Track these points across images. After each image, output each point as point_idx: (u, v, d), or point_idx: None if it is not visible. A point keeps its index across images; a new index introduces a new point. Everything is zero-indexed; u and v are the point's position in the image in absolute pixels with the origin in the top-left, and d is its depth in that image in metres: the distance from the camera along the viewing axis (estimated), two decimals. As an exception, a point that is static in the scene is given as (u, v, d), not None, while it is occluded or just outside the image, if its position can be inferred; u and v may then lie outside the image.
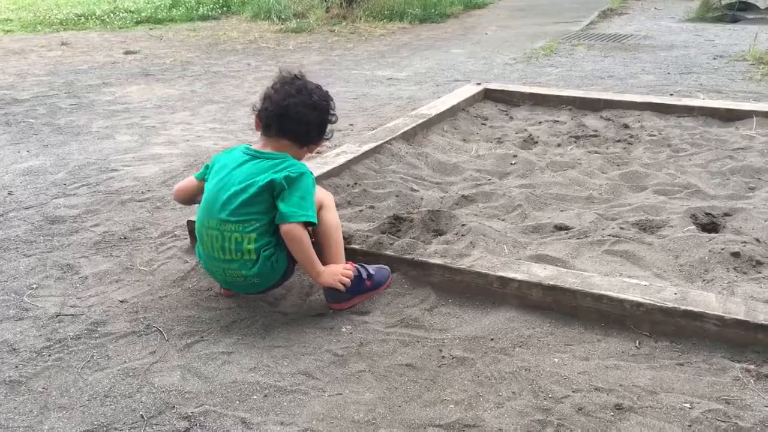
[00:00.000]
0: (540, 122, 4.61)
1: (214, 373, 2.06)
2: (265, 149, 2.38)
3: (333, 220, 2.36)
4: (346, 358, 2.11)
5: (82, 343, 2.25)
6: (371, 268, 2.42)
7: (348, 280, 2.30)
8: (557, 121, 4.60)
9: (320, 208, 2.33)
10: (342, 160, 3.59)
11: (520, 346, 2.14)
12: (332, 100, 2.48)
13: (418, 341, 2.19)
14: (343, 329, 2.27)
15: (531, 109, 4.92)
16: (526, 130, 4.43)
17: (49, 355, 2.19)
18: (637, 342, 2.13)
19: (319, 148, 2.64)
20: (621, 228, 2.90)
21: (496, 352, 2.11)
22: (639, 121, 4.48)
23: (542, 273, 2.32)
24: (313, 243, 2.32)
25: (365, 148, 3.77)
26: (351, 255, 2.53)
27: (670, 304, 2.11)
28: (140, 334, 2.30)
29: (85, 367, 2.12)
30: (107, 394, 1.98)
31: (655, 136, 4.20)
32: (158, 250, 2.92)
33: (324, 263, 2.35)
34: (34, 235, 3.16)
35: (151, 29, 10.05)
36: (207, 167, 2.52)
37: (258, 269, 2.28)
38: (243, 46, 8.66)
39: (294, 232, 2.21)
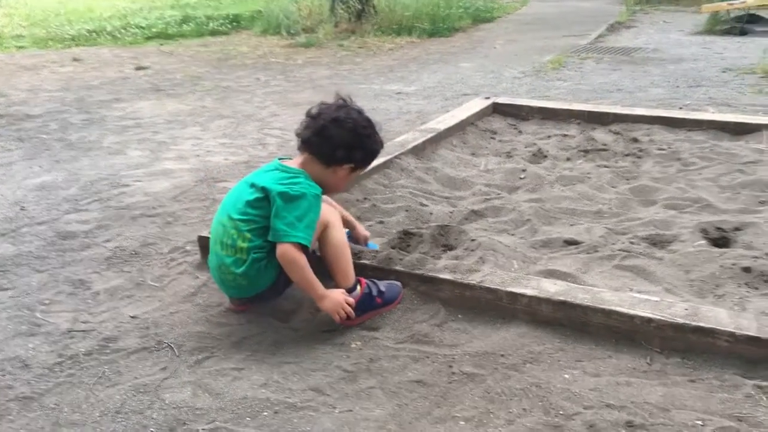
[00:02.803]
0: (549, 136, 4.61)
1: (225, 390, 2.06)
2: (292, 164, 2.39)
3: (340, 237, 2.37)
4: (356, 375, 2.11)
5: (93, 359, 2.26)
6: (382, 285, 2.42)
7: (345, 314, 2.29)
8: (566, 135, 4.60)
9: (326, 226, 2.33)
10: (351, 175, 3.59)
11: (530, 362, 2.13)
12: (370, 127, 2.41)
13: (428, 357, 2.19)
14: (353, 345, 2.28)
15: (540, 123, 4.93)
16: (535, 144, 4.43)
17: (61, 371, 2.20)
18: (648, 358, 2.12)
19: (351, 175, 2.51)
20: (631, 243, 2.90)
21: (507, 368, 2.11)
22: (648, 135, 4.47)
23: (552, 288, 2.32)
24: (313, 263, 2.31)
25: (374, 163, 3.76)
26: (361, 270, 2.54)
27: (680, 320, 2.10)
28: (151, 350, 2.31)
29: (96, 384, 2.13)
30: (119, 411, 1.99)
31: (664, 150, 4.19)
32: (169, 266, 2.94)
33: (334, 281, 2.36)
34: (46, 250, 3.18)
35: (161, 45, 10.13)
36: None
37: (245, 270, 2.30)
38: (252, 61, 8.72)
39: (288, 254, 2.21)
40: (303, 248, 2.25)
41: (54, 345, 2.36)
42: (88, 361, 2.25)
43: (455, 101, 6.21)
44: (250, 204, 2.28)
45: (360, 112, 2.44)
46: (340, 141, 2.34)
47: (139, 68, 8.26)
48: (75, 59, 8.90)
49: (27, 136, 5.38)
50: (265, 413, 1.96)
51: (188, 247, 3.10)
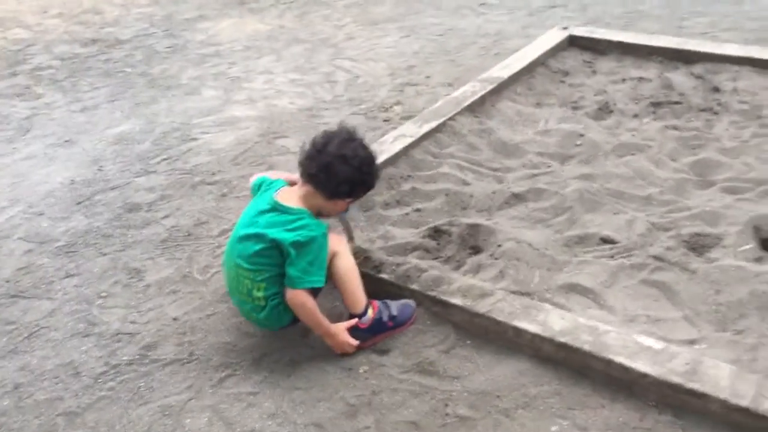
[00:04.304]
0: (624, 79, 4.35)
1: (238, 419, 2.28)
2: (290, 198, 2.44)
3: (347, 265, 2.44)
4: (357, 409, 2.26)
5: (133, 370, 2.53)
6: (394, 308, 2.50)
7: (348, 352, 2.44)
8: (642, 78, 4.32)
9: (333, 256, 2.41)
10: (399, 146, 3.59)
11: (523, 408, 2.20)
12: (373, 164, 2.45)
13: (427, 392, 2.29)
14: (361, 370, 2.41)
15: (618, 59, 4.63)
16: (605, 91, 4.20)
17: (105, 383, 2.48)
18: (641, 414, 2.13)
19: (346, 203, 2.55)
20: (668, 248, 2.79)
21: (499, 413, 2.19)
22: (734, 80, 4.12)
23: (557, 326, 2.33)
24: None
25: (426, 128, 3.74)
26: (378, 284, 2.63)
27: (676, 379, 2.08)
28: (183, 362, 2.54)
29: (131, 401, 2.40)
30: (145, 435, 2.26)
31: (746, 103, 3.87)
32: (215, 254, 3.14)
33: (346, 306, 2.48)
34: (112, 226, 3.45)
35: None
36: (258, 185, 2.64)
37: (266, 315, 2.45)
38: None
39: (296, 299, 2.33)
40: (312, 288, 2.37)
41: (103, 350, 2.64)
42: (129, 372, 2.52)
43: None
44: (258, 254, 2.36)
45: (364, 147, 2.44)
46: (345, 178, 2.37)
47: (227, -27, 8.22)
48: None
49: (114, 70, 5.64)
50: (267, 450, 2.16)
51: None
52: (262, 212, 2.44)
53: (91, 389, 2.47)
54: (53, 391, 2.48)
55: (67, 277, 3.10)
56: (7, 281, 3.10)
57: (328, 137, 2.41)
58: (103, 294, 2.96)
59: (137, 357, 2.59)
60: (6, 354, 2.68)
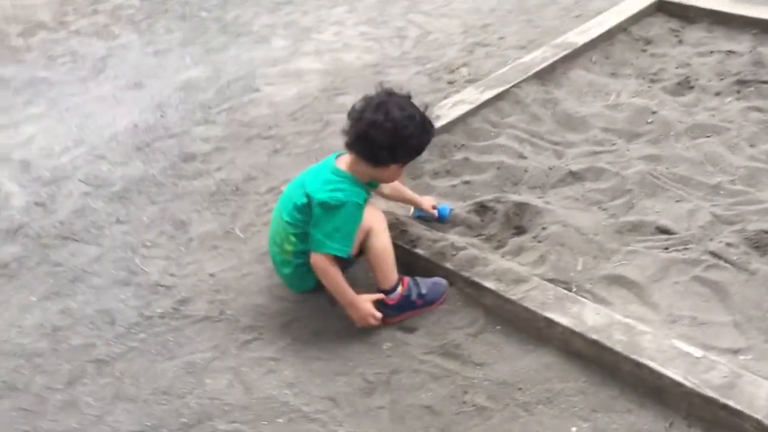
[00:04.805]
0: (711, 52, 4.02)
1: (256, 383, 2.29)
2: (343, 163, 2.40)
3: (381, 244, 2.37)
4: (374, 387, 2.22)
5: (165, 323, 2.57)
6: (424, 286, 2.43)
7: (370, 325, 2.37)
8: (732, 51, 3.98)
9: (368, 233, 2.35)
10: (457, 112, 3.47)
11: (544, 404, 2.11)
12: (411, 125, 2.26)
13: (448, 376, 2.23)
14: (384, 346, 2.37)
15: (709, 29, 4.28)
16: (689, 64, 3.90)
17: (136, 334, 2.54)
18: (669, 423, 2.01)
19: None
20: (728, 244, 2.59)
21: (518, 406, 2.11)
22: (835, 60, 3.76)
23: (591, 320, 2.21)
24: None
25: (487, 95, 3.59)
26: (412, 258, 2.56)
27: (711, 393, 1.94)
28: (213, 320, 2.57)
29: (159, 354, 2.44)
30: (166, 391, 2.30)
31: None
32: (259, 212, 3.13)
33: (376, 281, 2.42)
34: (166, 175, 3.50)
35: None
36: None
37: (290, 271, 2.44)
38: None
39: (319, 263, 2.29)
40: (339, 257, 2.31)
41: (140, 300, 2.70)
42: (160, 325, 2.57)
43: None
44: (297, 208, 2.34)
45: (401, 107, 2.27)
46: (382, 144, 2.26)
47: None
48: None
49: (189, 13, 5.66)
50: (280, 420, 2.16)
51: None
52: (320, 172, 2.41)
53: (123, 338, 2.53)
54: (88, 337, 2.55)
55: (117, 223, 3.17)
56: (62, 223, 3.20)
57: (365, 103, 2.32)
58: (148, 244, 3.01)
59: (170, 311, 2.63)
60: (50, 295, 2.77)
